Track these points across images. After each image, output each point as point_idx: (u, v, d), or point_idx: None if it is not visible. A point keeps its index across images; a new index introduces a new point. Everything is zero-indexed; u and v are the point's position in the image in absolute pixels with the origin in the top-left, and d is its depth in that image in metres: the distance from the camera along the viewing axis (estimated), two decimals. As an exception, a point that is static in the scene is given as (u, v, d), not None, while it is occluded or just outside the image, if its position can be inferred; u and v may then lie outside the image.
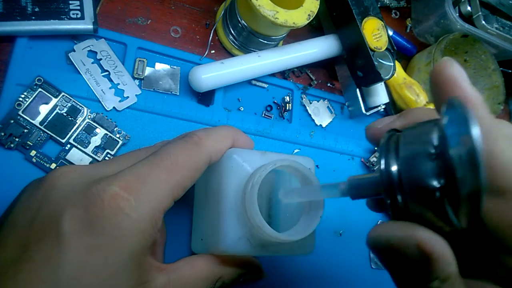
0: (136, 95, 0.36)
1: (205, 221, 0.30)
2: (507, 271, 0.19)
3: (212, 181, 0.29)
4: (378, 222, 0.46)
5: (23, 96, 0.32)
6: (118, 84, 0.36)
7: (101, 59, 0.36)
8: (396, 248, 0.18)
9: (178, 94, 0.39)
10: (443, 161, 0.17)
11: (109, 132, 0.35)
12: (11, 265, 0.20)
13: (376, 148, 0.47)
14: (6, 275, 0.20)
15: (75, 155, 0.33)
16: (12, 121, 0.32)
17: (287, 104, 0.44)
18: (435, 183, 0.17)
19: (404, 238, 0.18)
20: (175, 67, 0.39)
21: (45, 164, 0.32)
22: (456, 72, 0.20)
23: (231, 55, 0.43)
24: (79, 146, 0.34)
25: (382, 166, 0.19)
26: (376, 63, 0.41)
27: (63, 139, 0.33)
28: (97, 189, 0.21)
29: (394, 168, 0.18)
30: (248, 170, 0.27)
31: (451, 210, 0.17)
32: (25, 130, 0.32)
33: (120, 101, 0.36)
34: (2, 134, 0.31)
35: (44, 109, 0.33)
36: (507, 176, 0.18)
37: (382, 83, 0.45)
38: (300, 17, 0.36)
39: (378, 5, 0.44)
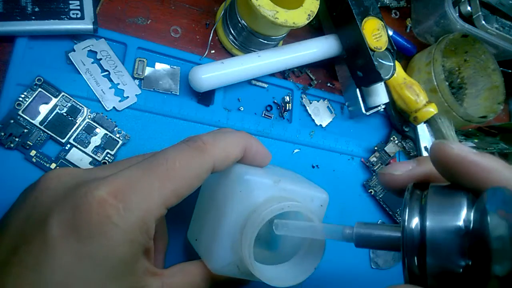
0: (136, 95, 0.36)
1: (203, 227, 0.29)
2: None
3: (218, 192, 0.28)
4: (379, 222, 0.46)
5: (23, 96, 0.32)
6: (118, 84, 0.36)
7: (101, 59, 0.36)
8: None
9: (178, 94, 0.39)
10: (476, 241, 0.16)
11: (109, 132, 0.35)
12: (1, 268, 0.20)
13: (375, 149, 0.47)
14: None
15: (75, 155, 0.33)
16: (12, 121, 0.32)
17: (287, 104, 0.44)
18: (462, 263, 0.16)
19: None
20: (175, 67, 0.39)
21: (45, 164, 0.32)
22: (458, 148, 0.19)
23: (231, 55, 0.43)
24: (79, 146, 0.34)
25: (406, 227, 0.18)
26: (376, 63, 0.41)
27: (63, 139, 0.33)
28: (84, 192, 0.20)
29: (417, 233, 0.18)
30: (257, 200, 0.26)
31: None
32: (25, 130, 0.32)
33: (120, 101, 0.36)
34: (2, 134, 0.31)
35: (44, 109, 0.33)
36: None
37: (382, 83, 0.45)
38: (300, 17, 0.36)
39: (378, 5, 0.44)
